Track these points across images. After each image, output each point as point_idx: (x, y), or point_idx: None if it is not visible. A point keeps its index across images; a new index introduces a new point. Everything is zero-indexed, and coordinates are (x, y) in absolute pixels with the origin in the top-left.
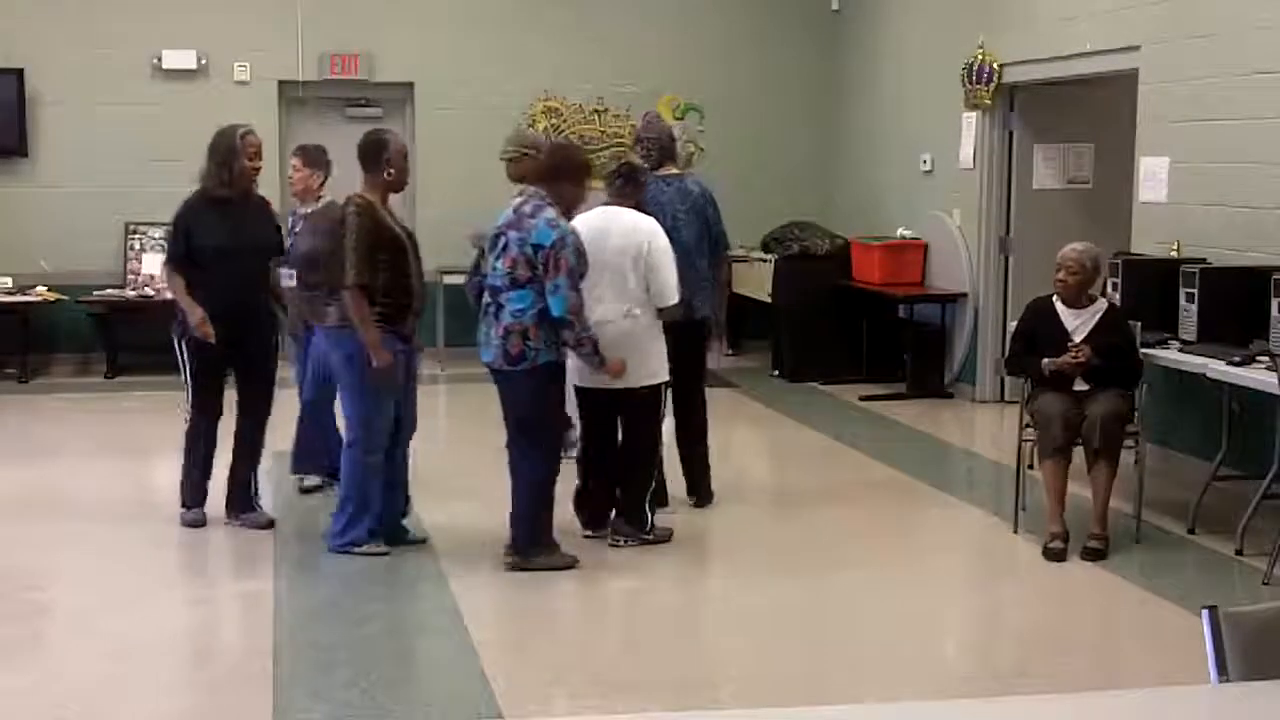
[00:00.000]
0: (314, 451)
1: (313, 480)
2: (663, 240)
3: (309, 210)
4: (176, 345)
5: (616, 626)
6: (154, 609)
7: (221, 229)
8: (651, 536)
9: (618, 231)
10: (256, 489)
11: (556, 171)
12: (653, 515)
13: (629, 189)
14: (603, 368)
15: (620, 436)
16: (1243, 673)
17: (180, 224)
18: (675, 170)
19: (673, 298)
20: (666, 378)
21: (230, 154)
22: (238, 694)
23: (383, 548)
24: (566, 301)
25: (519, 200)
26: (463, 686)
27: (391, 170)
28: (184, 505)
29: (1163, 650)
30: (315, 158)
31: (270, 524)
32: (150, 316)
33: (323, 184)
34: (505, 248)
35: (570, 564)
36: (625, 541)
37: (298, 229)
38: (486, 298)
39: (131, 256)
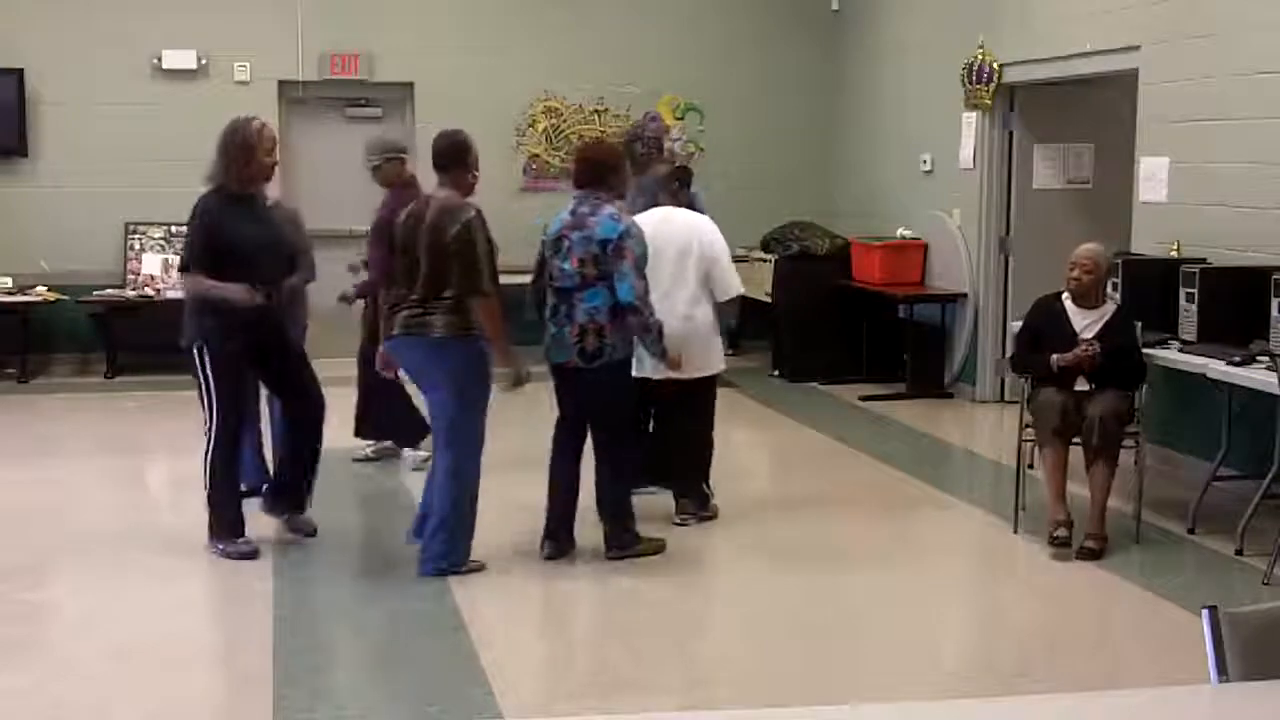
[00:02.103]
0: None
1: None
2: (719, 237)
3: None
4: (195, 355)
5: (616, 626)
6: (154, 609)
7: (248, 228)
8: (710, 513)
9: (678, 231)
10: (311, 489)
11: (602, 169)
12: (711, 495)
13: (683, 191)
14: (664, 358)
15: (678, 423)
16: (1243, 673)
17: (203, 225)
18: (664, 168)
19: (734, 290)
20: (723, 367)
21: (248, 149)
22: (238, 694)
23: (479, 561)
24: (634, 288)
25: (573, 204)
26: (463, 686)
27: (476, 172)
28: (230, 538)
29: (1163, 650)
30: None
31: (314, 531)
32: (150, 316)
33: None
34: (570, 249)
35: (661, 548)
36: (690, 520)
37: None
38: (554, 300)
39: (131, 256)
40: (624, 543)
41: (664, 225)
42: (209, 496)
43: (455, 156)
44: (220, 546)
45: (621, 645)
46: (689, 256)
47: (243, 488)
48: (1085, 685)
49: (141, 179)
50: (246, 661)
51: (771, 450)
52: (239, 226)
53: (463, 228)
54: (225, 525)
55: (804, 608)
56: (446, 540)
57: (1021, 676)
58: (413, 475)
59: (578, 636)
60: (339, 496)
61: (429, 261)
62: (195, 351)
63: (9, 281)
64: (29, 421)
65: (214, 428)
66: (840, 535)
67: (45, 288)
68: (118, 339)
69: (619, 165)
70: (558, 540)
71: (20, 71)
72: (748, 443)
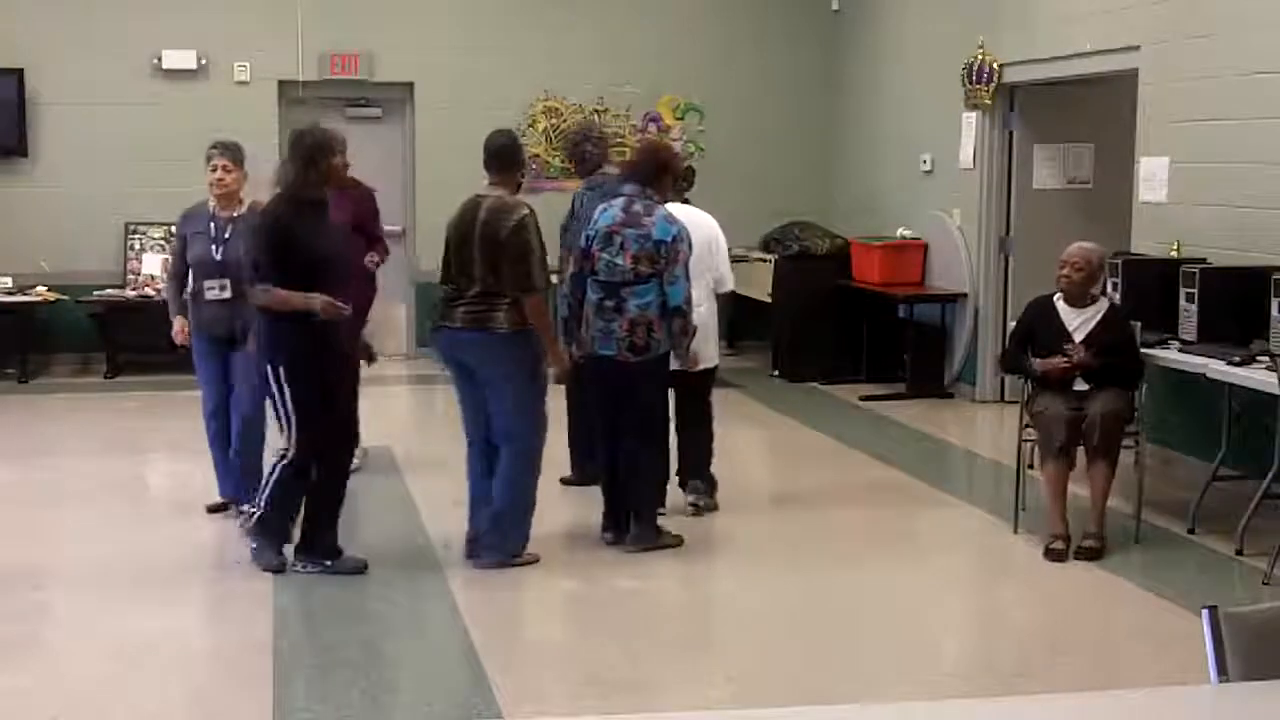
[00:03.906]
0: (255, 470)
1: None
2: (720, 232)
3: (235, 215)
4: (271, 375)
5: (616, 626)
6: (154, 609)
7: (324, 235)
8: (715, 501)
9: (696, 227)
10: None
11: (657, 169)
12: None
13: (687, 189)
14: (687, 360)
15: (678, 413)
16: (1243, 673)
17: (272, 234)
18: (613, 170)
19: (732, 283)
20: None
21: (318, 150)
22: (238, 694)
23: (534, 554)
24: (683, 291)
25: (624, 200)
26: (463, 686)
27: (524, 172)
28: (274, 551)
29: (1163, 650)
30: (241, 157)
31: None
32: (150, 316)
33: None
34: (623, 245)
35: (679, 542)
36: (703, 501)
37: (227, 235)
38: (600, 294)
39: (131, 256)
40: (647, 537)
41: (686, 221)
42: (266, 508)
43: (510, 157)
44: (254, 546)
45: (621, 645)
46: (704, 250)
47: (220, 499)
48: (1085, 685)
49: (141, 179)
50: (246, 661)
51: (771, 450)
52: (316, 235)
53: (517, 225)
54: (274, 539)
55: (804, 608)
56: (502, 530)
57: (1021, 676)
58: (415, 477)
59: (578, 637)
60: None
61: (486, 258)
62: (272, 367)
63: (9, 281)
64: (29, 421)
65: (293, 445)
66: (840, 535)
67: (45, 288)
68: (118, 339)
69: (673, 170)
70: (619, 526)
71: (20, 71)
72: (748, 442)
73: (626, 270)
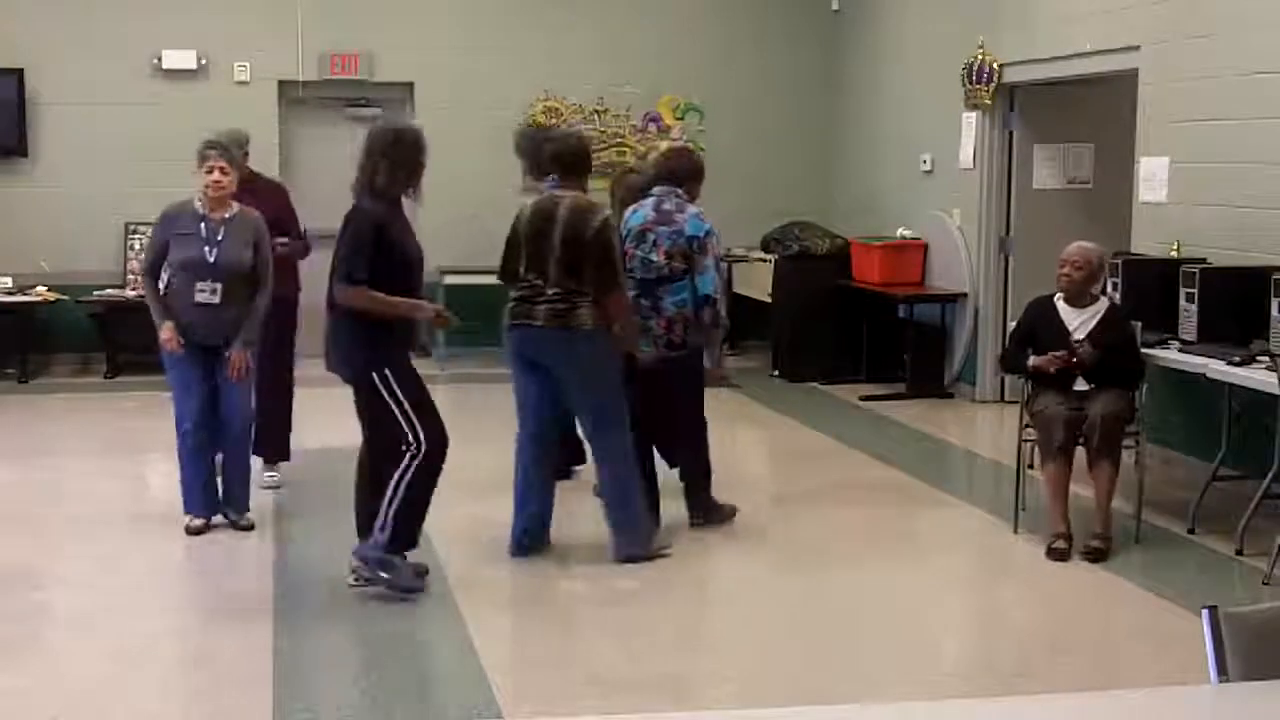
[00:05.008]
0: (247, 475)
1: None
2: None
3: (228, 216)
4: (378, 381)
5: (617, 626)
6: (154, 609)
7: (412, 235)
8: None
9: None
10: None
11: (693, 173)
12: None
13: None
14: (717, 358)
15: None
16: (1243, 673)
17: (377, 233)
18: None
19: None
20: None
21: (418, 151)
22: (238, 694)
23: (667, 544)
24: (714, 281)
25: (654, 200)
26: (463, 686)
27: (590, 173)
28: (401, 555)
29: (1163, 650)
30: (234, 157)
31: (427, 571)
32: (149, 317)
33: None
34: (656, 242)
35: (734, 513)
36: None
37: (220, 238)
38: (635, 293)
39: (131, 256)
40: (707, 508)
41: None
42: (398, 510)
43: (581, 162)
44: (386, 576)
45: (622, 645)
46: None
47: (202, 521)
48: (1085, 685)
49: (141, 179)
50: (246, 661)
51: (771, 450)
52: (409, 236)
53: (602, 225)
54: (405, 543)
55: (804, 608)
56: (630, 526)
57: (1021, 676)
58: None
59: (578, 637)
60: (333, 498)
61: (564, 258)
62: (378, 372)
63: (9, 281)
64: (29, 421)
65: (423, 444)
66: (840, 535)
67: (45, 288)
68: (117, 339)
69: (702, 176)
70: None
71: (20, 71)
72: (748, 443)
73: (661, 266)
